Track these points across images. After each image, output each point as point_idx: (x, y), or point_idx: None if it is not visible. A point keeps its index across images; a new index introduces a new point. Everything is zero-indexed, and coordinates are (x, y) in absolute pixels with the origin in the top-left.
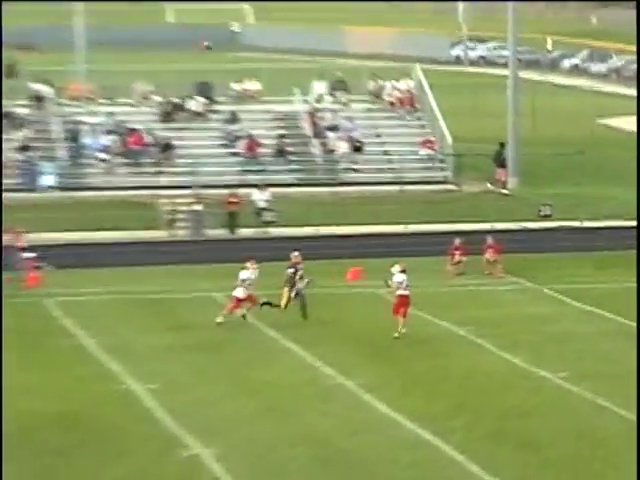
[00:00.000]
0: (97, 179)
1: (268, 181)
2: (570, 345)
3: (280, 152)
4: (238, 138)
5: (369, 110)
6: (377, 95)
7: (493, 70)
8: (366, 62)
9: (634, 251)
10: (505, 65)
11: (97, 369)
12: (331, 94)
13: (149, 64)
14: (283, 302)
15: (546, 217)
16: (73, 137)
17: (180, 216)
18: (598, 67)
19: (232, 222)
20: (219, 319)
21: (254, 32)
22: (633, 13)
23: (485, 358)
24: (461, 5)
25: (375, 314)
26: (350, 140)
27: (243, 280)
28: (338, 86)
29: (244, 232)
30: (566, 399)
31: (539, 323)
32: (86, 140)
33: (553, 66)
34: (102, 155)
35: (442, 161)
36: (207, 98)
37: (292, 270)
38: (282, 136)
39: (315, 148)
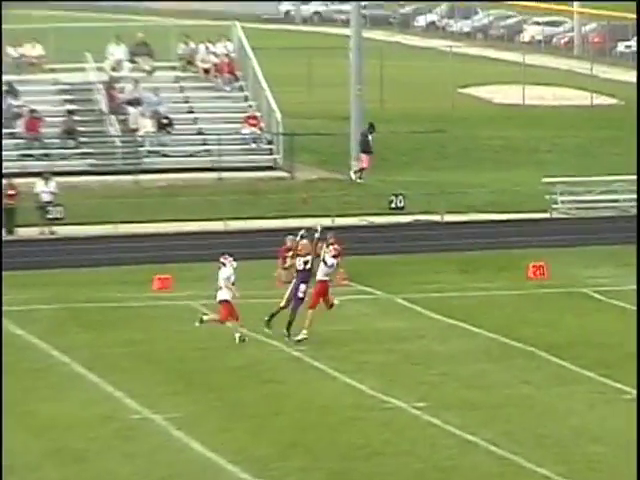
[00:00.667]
0: None
1: (54, 168)
2: (430, 367)
3: (69, 132)
4: (17, 116)
5: (179, 79)
6: (189, 61)
7: (331, 29)
8: (174, 20)
9: (506, 251)
10: (346, 23)
11: None
12: (131, 60)
13: None
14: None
15: (398, 210)
16: None
17: None
18: (460, 25)
19: (9, 220)
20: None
21: None
22: None
23: (325, 385)
24: None
25: (188, 332)
26: (156, 117)
27: (227, 278)
28: (140, 50)
29: (24, 232)
30: (425, 434)
31: (391, 341)
32: None
33: (405, 24)
34: None
35: (270, 142)
36: None
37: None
38: (71, 112)
39: (112, 127)
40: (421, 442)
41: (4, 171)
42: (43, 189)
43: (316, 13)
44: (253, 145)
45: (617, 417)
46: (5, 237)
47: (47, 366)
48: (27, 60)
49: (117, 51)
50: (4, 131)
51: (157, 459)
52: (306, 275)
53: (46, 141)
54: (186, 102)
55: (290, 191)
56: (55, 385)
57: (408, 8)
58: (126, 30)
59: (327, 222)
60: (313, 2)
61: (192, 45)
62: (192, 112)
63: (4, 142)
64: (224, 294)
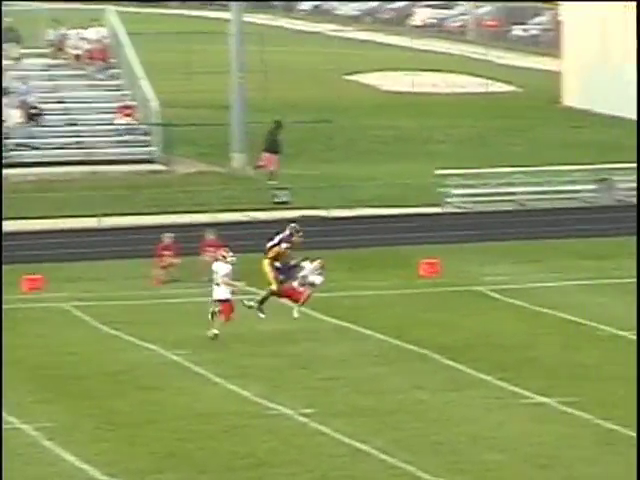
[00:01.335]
0: None
1: None
2: (317, 372)
3: None
4: None
5: (48, 67)
6: (59, 47)
7: (209, 12)
8: (44, 4)
9: (397, 247)
10: (225, 6)
11: None
12: None
13: None
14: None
15: (282, 204)
16: None
17: None
18: (346, 8)
19: None
20: (214, 331)
21: None
22: None
23: (206, 391)
24: None
25: (62, 335)
26: (24, 107)
27: (226, 275)
28: (6, 36)
29: None
30: (312, 442)
31: (277, 344)
32: None
33: (289, 7)
34: None
35: (146, 133)
36: None
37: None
38: None
39: None
40: (309, 451)
41: None
42: None
43: None
44: (128, 137)
45: (514, 423)
46: None
47: None
48: None
49: None
50: None
51: (27, 473)
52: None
53: None
54: (56, 91)
55: (168, 185)
56: None
57: None
58: None
59: (207, 219)
60: None
61: (62, 31)
62: (63, 102)
63: None
64: (224, 292)
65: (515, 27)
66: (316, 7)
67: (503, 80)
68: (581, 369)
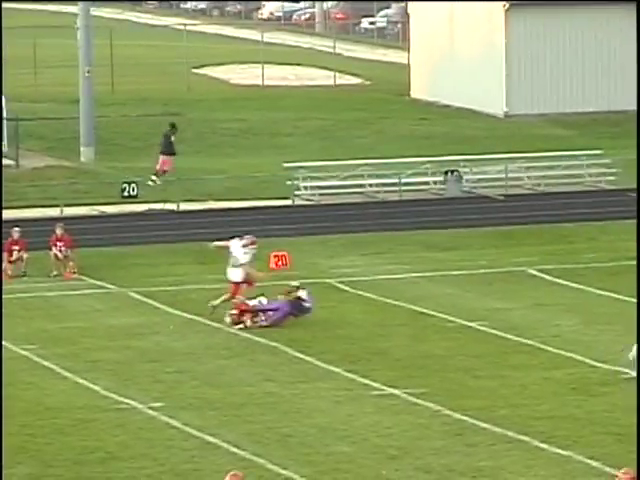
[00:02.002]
0: None
1: None
2: (166, 365)
3: None
4: None
5: None
6: None
7: (56, 6)
8: None
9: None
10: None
11: None
12: None
13: None
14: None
15: (131, 198)
16: None
17: None
18: (194, 2)
19: None
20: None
21: None
22: None
23: (55, 385)
24: None
25: None
26: None
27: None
28: None
29: None
30: (162, 435)
31: (126, 338)
32: None
33: (136, 1)
34: None
35: None
36: None
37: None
38: None
39: None
40: (158, 444)
41: None
42: None
43: None
44: None
45: (364, 414)
46: None
47: None
48: None
49: None
50: None
51: None
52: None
53: None
54: None
55: (16, 180)
56: None
57: None
58: None
59: (56, 213)
60: None
61: None
62: None
63: None
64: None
65: (363, 20)
66: (164, 1)
67: (351, 73)
68: (431, 360)
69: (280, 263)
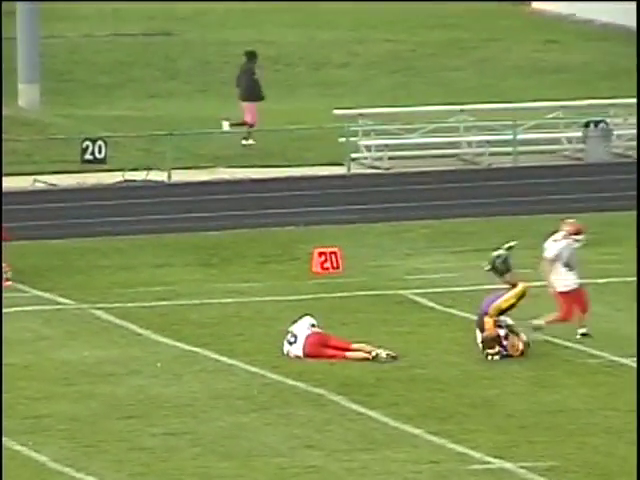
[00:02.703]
0: None
1: None
2: (150, 424)
3: None
4: None
5: None
6: None
7: None
8: None
9: None
10: None
11: None
12: None
13: None
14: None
15: (97, 164)
16: None
17: None
18: None
19: None
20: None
21: None
22: None
23: None
24: None
25: None
26: None
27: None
28: None
29: None
30: None
31: (89, 380)
32: None
33: None
34: None
35: None
36: None
37: None
38: None
39: None
40: None
41: None
42: None
43: None
44: None
45: None
46: None
47: None
48: None
49: None
50: None
51: None
52: None
53: None
54: None
55: None
56: None
57: None
58: None
59: None
60: None
61: None
62: None
63: None
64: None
65: None
66: None
67: None
68: (562, 417)
69: (328, 265)
